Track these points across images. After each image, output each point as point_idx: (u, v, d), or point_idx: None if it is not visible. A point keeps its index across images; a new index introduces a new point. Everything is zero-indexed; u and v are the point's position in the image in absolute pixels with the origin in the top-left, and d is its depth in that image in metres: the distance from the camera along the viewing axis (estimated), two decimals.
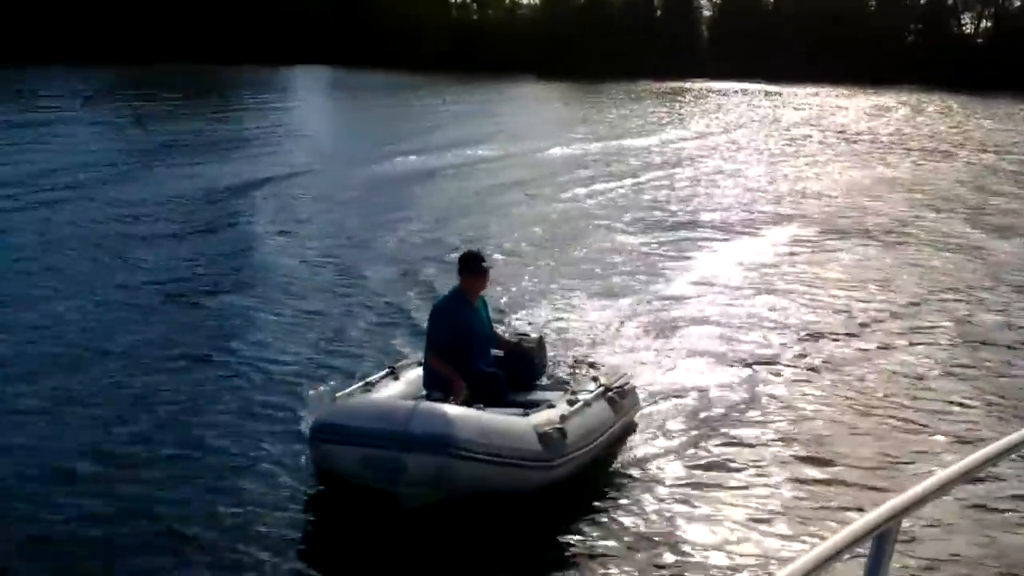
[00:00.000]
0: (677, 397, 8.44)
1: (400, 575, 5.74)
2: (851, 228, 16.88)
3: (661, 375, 9.04)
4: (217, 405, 8.15)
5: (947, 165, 26.63)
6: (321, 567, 5.73)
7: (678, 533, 6.16)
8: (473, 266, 7.33)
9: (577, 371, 8.08)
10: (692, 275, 13.26)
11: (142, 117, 31.27)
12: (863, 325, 10.92)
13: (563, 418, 6.53)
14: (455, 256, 8.08)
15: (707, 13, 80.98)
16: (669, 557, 5.88)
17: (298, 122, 34.42)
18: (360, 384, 7.06)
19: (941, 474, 2.85)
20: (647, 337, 10.25)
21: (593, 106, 43.69)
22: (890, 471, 7.12)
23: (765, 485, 6.86)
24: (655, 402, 8.26)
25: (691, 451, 7.38)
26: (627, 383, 7.64)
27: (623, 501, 6.59)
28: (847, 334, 10.54)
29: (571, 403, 6.81)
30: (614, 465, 7.08)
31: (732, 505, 6.55)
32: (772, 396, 8.63)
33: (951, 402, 8.61)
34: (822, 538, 2.50)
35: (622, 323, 10.77)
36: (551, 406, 6.73)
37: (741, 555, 5.95)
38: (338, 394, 6.89)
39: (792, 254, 14.76)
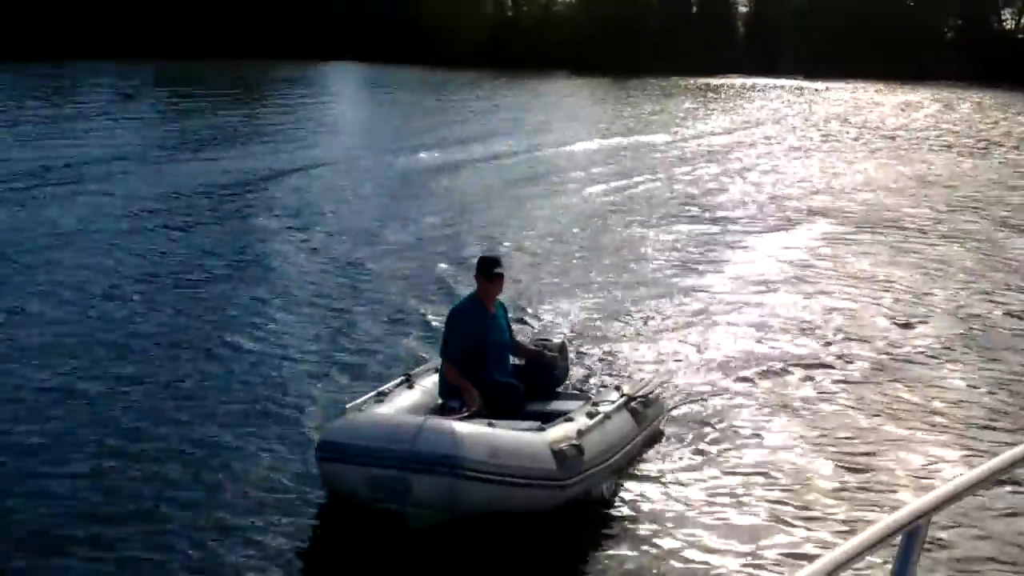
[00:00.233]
0: (706, 400, 8.34)
1: None
2: (886, 225, 16.61)
3: (690, 377, 8.93)
4: (226, 401, 8.15)
5: (985, 162, 26.18)
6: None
7: (703, 537, 6.07)
8: (486, 271, 7.13)
9: (599, 378, 7.90)
10: (723, 273, 13.13)
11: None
12: (897, 326, 10.75)
13: (580, 433, 6.26)
14: (478, 253, 7.98)
15: (743, 9, 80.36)
16: (696, 558, 5.81)
17: (330, 117, 34.52)
18: (373, 394, 6.72)
19: (971, 473, 2.92)
20: (676, 337, 10.14)
21: (627, 102, 43.43)
22: (921, 477, 6.99)
23: (790, 489, 6.75)
24: (682, 406, 8.15)
25: (717, 454, 7.29)
26: (652, 391, 7.42)
27: (643, 507, 6.50)
28: (880, 335, 10.37)
29: (591, 415, 6.53)
30: (634, 470, 6.94)
31: (756, 509, 6.46)
32: (803, 399, 8.51)
33: (984, 407, 8.44)
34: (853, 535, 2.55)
35: (648, 322, 10.67)
36: (569, 419, 6.45)
37: (769, 556, 5.89)
38: (348, 405, 6.55)
39: (825, 251, 14.57)
